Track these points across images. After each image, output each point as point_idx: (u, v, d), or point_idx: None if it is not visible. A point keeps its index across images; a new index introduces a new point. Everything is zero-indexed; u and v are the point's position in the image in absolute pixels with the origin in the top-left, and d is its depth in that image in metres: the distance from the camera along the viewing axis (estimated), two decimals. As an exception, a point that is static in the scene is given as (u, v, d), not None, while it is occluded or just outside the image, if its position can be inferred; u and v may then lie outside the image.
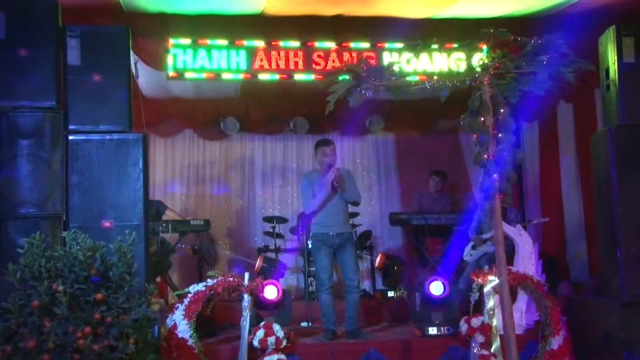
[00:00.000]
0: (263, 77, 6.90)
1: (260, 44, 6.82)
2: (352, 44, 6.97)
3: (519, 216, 7.17)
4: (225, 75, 6.86)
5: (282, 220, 8.49)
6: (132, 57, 5.25)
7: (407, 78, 4.08)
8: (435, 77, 3.91)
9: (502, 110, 3.71)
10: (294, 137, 9.26)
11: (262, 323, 5.23)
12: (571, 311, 5.57)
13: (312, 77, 6.90)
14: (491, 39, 3.69)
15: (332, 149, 5.98)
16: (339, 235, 5.90)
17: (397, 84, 3.83)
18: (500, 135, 3.68)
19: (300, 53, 6.86)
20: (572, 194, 7.84)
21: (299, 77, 6.93)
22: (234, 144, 9.30)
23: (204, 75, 6.81)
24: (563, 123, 7.95)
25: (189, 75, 6.78)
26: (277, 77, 6.91)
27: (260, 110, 8.62)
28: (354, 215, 8.09)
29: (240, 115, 8.72)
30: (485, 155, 3.66)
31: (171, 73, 6.70)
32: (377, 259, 7.66)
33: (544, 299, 5.39)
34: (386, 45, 6.92)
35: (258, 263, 7.60)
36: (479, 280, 5.34)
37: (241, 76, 6.91)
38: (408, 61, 6.57)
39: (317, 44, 6.90)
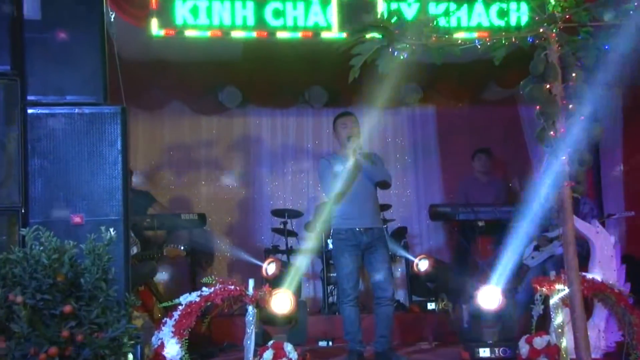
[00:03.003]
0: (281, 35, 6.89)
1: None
2: None
3: (595, 209, 7.10)
4: (232, 34, 6.85)
5: (295, 214, 8.48)
6: (108, 10, 5.22)
7: (452, 35, 4.01)
8: (488, 34, 3.85)
9: (573, 75, 3.66)
10: (310, 110, 9.25)
11: (271, 342, 5.23)
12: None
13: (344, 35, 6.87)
14: (561, -18, 3.63)
15: (352, 120, 6.09)
16: (367, 232, 5.88)
17: (439, 44, 3.77)
18: (571, 106, 3.63)
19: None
20: (666, 181, 7.74)
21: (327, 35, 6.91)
22: (235, 119, 9.32)
23: (209, 33, 6.80)
24: (655, 90, 7.82)
25: (190, 33, 6.79)
26: (299, 35, 6.88)
27: (267, 78, 8.60)
28: (385, 207, 8.07)
29: (243, 83, 8.72)
30: (552, 132, 3.61)
31: (157, 30, 6.70)
32: (419, 262, 7.62)
33: (629, 313, 5.32)
34: None
35: (267, 267, 7.59)
36: (544, 289, 5.30)
37: (254, 34, 6.89)
38: (451, 13, 6.49)
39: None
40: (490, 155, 8.48)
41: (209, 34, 6.83)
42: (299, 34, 6.88)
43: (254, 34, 6.87)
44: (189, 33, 6.82)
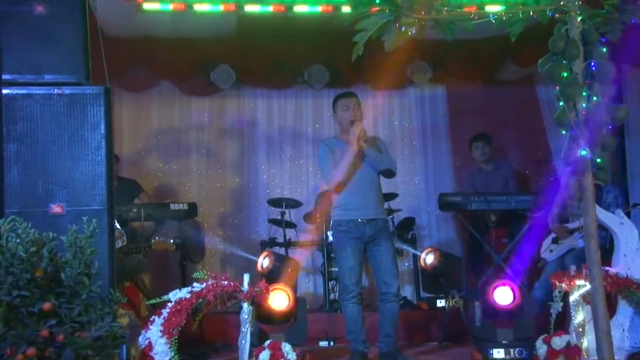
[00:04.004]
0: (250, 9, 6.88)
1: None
2: None
3: (619, 198, 7.09)
4: (199, 7, 6.85)
5: (293, 203, 8.48)
6: (89, -18, 5.21)
7: (465, 9, 3.99)
8: (503, 7, 3.83)
9: (596, 52, 3.63)
10: (310, 91, 9.24)
11: (267, 342, 5.24)
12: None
13: (319, 9, 6.84)
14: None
15: (354, 101, 6.03)
16: (370, 224, 5.87)
17: (450, 18, 3.75)
18: (593, 86, 3.60)
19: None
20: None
21: (300, 9, 6.89)
22: (228, 101, 9.30)
23: (170, 6, 6.80)
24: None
25: (149, 6, 6.78)
26: (270, 9, 6.86)
27: (263, 56, 8.58)
28: (391, 197, 8.06)
29: (237, 62, 8.69)
30: (573, 114, 3.60)
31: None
32: (425, 256, 7.64)
33: (657, 312, 5.34)
34: None
35: (262, 261, 7.62)
36: (563, 285, 5.30)
37: (221, 8, 6.87)
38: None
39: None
40: (489, 142, 8.46)
41: (171, 7, 6.83)
42: (270, 8, 6.92)
43: (221, 8, 6.88)
44: (149, 6, 6.82)
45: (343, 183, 5.86)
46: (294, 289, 6.58)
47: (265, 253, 7.70)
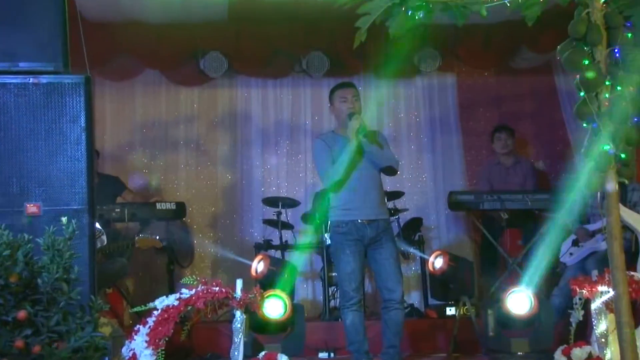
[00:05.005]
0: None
1: None
2: None
3: (646, 197, 7.11)
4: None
5: (290, 203, 8.48)
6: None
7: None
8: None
9: (620, 38, 3.62)
10: (308, 81, 9.23)
11: (262, 353, 5.24)
12: None
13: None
14: None
15: (353, 92, 6.03)
16: (371, 225, 5.87)
17: (462, 1, 3.75)
18: (617, 74, 3.59)
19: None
20: None
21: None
22: (219, 91, 9.29)
23: None
24: None
25: None
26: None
27: (258, 42, 8.59)
28: (397, 195, 8.06)
29: (229, 48, 8.68)
30: (594, 105, 3.59)
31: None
32: (434, 260, 7.64)
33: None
34: None
35: (257, 265, 7.62)
36: (584, 292, 5.29)
37: None
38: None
39: None
40: (512, 134, 8.47)
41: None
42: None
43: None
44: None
45: (341, 181, 5.85)
46: (291, 296, 6.58)
47: (259, 257, 7.69)
